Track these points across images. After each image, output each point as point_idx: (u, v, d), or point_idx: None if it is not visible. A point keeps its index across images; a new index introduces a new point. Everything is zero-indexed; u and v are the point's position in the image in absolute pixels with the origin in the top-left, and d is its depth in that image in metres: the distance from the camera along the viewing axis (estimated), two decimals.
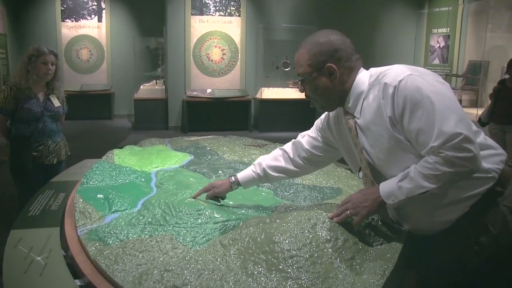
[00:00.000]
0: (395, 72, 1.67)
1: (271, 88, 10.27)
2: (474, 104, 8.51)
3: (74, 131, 8.93)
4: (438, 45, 10.63)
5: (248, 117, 10.13)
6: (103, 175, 2.68)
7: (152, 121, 10.18)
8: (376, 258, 1.64)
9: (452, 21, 10.13)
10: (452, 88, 8.65)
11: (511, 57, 6.22)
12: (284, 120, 10.07)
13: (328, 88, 1.78)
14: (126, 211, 2.21)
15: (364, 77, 1.79)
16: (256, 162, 2.16)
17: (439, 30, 10.61)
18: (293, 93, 10.19)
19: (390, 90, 1.64)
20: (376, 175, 1.80)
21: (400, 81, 1.62)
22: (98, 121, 11.15)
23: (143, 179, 2.71)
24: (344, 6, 10.84)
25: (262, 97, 10.01)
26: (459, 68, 9.83)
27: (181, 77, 10.04)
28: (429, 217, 1.73)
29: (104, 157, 3.14)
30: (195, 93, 9.91)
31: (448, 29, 10.29)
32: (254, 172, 2.13)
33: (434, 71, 1.75)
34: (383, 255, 1.65)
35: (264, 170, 2.11)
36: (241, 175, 2.15)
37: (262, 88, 10.15)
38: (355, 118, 1.79)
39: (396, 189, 1.64)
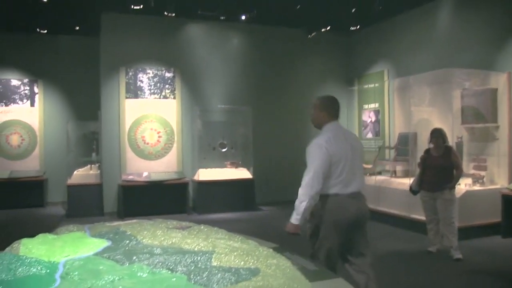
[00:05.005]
0: None
1: (208, 169, 10.19)
2: (407, 173, 8.73)
3: (1, 221, 8.40)
4: (370, 119, 11.04)
5: (187, 199, 9.89)
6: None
7: (86, 207, 9.70)
8: None
9: (380, 97, 10.63)
10: (386, 160, 8.74)
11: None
12: (223, 200, 9.93)
13: None
14: None
15: None
16: None
17: (369, 105, 11.07)
18: (231, 173, 10.17)
19: None
20: None
21: None
22: (29, 210, 10.56)
23: (48, 270, 2.48)
24: (277, 86, 11.17)
25: (200, 179, 9.87)
26: (391, 140, 10.18)
27: (116, 161, 9.82)
28: None
29: (8, 248, 2.89)
30: (130, 177, 9.67)
31: (377, 104, 10.76)
32: None
33: (368, 144, 1.78)
34: None
35: None
36: None
37: (200, 169, 10.05)
38: None
39: None
